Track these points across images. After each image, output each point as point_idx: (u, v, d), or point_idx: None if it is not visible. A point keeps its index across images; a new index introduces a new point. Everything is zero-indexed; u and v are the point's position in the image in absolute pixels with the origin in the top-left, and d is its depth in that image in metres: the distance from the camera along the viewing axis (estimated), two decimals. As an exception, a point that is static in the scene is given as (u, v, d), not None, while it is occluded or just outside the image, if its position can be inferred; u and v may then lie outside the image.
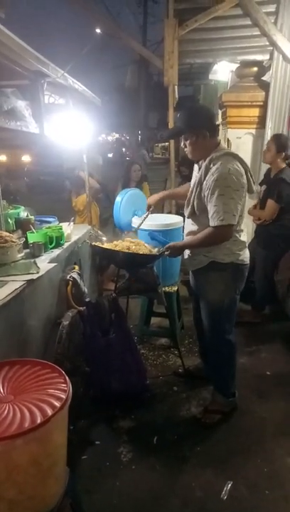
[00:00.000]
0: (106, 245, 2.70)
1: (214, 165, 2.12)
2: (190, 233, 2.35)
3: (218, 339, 2.42)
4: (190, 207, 2.30)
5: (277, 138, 3.43)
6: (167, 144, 5.30)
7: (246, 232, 2.35)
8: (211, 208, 2.10)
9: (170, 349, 3.34)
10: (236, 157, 2.18)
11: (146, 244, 2.69)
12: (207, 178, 2.13)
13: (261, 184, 3.62)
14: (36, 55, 2.00)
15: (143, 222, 2.89)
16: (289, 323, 3.74)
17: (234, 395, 2.56)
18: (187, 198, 2.36)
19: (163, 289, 3.00)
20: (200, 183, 2.19)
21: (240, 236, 2.26)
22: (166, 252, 2.37)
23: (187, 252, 2.42)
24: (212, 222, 2.09)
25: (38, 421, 1.15)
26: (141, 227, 2.94)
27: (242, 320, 3.65)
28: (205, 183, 2.15)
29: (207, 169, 2.16)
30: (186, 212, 2.37)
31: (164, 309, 3.18)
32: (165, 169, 5.29)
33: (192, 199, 2.26)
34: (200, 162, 2.26)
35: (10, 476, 1.15)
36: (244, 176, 2.15)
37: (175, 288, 3.18)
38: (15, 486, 1.17)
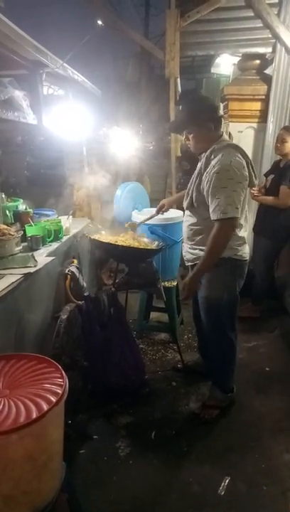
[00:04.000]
0: (105, 239, 2.68)
1: (215, 156, 2.08)
2: (190, 226, 2.31)
3: (217, 335, 2.39)
4: (188, 198, 2.25)
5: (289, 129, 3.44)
6: (169, 137, 5.24)
7: (246, 229, 2.30)
8: (213, 201, 2.02)
9: (169, 344, 3.33)
10: (238, 149, 2.13)
11: (145, 239, 2.67)
12: (207, 170, 2.08)
13: (267, 174, 3.59)
14: (35, 44, 1.97)
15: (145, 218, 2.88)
16: (288, 318, 3.74)
17: (232, 391, 2.55)
18: (187, 189, 2.33)
19: (163, 283, 2.99)
20: (199, 174, 2.15)
21: (239, 231, 2.21)
22: (183, 296, 2.25)
23: (185, 247, 2.39)
24: (214, 216, 2.02)
25: (34, 416, 1.13)
26: (141, 221, 2.92)
27: (241, 315, 3.64)
28: (205, 175, 2.10)
29: (208, 160, 2.11)
30: (185, 204, 2.33)
31: (163, 304, 3.16)
32: (167, 163, 5.23)
33: (191, 191, 2.22)
34: (202, 154, 2.22)
35: (5, 471, 1.14)
36: (246, 169, 2.10)
37: (175, 283, 3.16)
38: (10, 481, 1.16)
